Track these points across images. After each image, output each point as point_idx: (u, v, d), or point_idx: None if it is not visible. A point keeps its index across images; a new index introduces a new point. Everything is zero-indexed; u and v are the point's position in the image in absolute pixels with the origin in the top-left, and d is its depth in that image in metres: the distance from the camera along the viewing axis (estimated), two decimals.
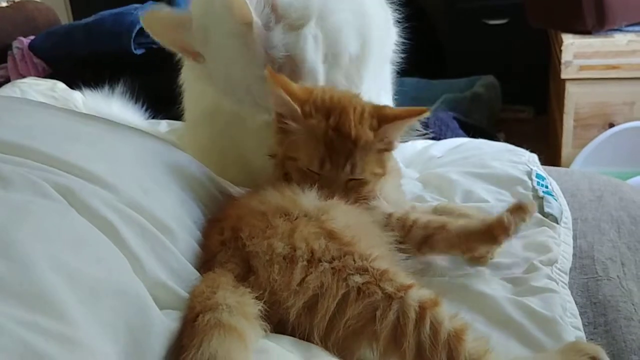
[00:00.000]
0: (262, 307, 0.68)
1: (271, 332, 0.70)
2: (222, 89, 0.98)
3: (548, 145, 2.54)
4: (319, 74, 0.94)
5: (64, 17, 3.16)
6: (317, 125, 0.85)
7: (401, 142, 0.97)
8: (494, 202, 1.06)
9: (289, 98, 0.85)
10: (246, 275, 0.73)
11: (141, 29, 2.11)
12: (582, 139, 2.14)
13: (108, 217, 0.70)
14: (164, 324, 0.66)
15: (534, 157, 1.24)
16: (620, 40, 2.07)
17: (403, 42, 1.16)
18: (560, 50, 2.10)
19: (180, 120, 1.37)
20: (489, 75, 2.69)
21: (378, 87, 1.13)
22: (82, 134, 0.87)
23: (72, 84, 1.75)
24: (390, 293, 0.67)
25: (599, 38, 2.08)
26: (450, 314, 0.67)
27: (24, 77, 2.07)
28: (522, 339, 0.76)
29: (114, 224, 0.70)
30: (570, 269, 0.92)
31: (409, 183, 1.16)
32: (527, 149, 1.27)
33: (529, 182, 1.11)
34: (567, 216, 1.03)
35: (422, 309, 0.66)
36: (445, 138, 1.52)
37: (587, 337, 0.78)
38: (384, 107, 0.91)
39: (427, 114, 0.87)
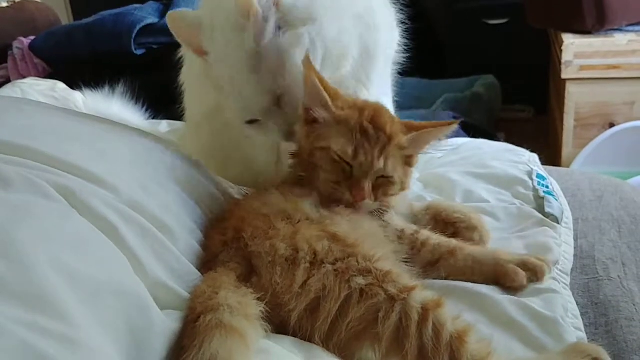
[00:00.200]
0: (264, 308, 0.68)
1: (272, 332, 0.70)
2: (219, 89, 0.97)
3: (548, 145, 2.54)
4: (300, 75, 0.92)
5: (65, 17, 3.16)
6: (353, 116, 0.86)
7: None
8: (494, 202, 1.06)
9: (321, 87, 0.84)
10: (248, 275, 0.73)
11: (141, 29, 2.11)
12: (582, 139, 2.14)
13: (108, 217, 0.70)
14: (165, 324, 0.66)
15: (535, 157, 1.24)
16: (620, 40, 2.07)
17: (404, 42, 1.16)
18: (561, 50, 2.09)
19: (180, 120, 1.37)
20: (489, 75, 2.69)
21: (380, 87, 1.13)
22: (82, 134, 0.87)
23: (73, 84, 1.75)
24: (393, 295, 0.67)
25: (599, 38, 2.08)
26: (453, 316, 0.67)
27: (24, 77, 2.07)
28: (524, 340, 0.76)
29: (115, 224, 0.70)
30: (571, 269, 0.92)
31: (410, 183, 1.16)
32: (527, 149, 1.27)
33: (530, 182, 1.11)
34: (567, 216, 1.03)
35: (424, 311, 0.66)
36: (445, 138, 1.51)
37: (588, 338, 0.78)
38: (410, 121, 0.92)
39: (455, 127, 0.88)
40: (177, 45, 1.18)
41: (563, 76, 2.11)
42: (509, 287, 0.83)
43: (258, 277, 0.72)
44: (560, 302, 0.81)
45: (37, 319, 0.53)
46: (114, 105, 1.52)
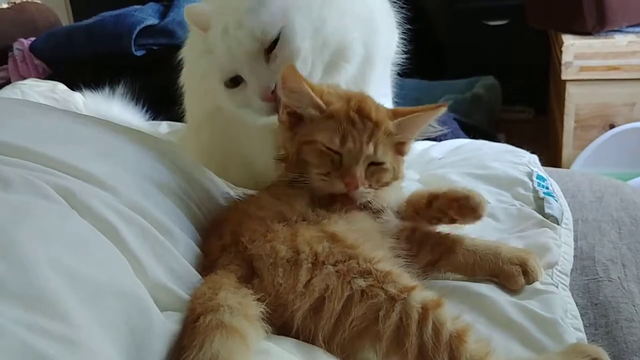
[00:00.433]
0: (265, 309, 0.68)
1: (273, 334, 0.70)
2: (210, 53, 0.97)
3: (548, 146, 2.54)
4: (304, 58, 0.92)
5: (65, 18, 3.16)
6: (340, 108, 0.85)
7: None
8: (494, 203, 1.06)
9: (309, 89, 0.84)
10: (249, 277, 0.73)
11: (141, 30, 2.11)
12: (582, 140, 2.14)
13: (109, 218, 0.70)
14: (165, 326, 0.66)
15: (535, 158, 1.24)
16: (620, 41, 2.07)
17: (403, 43, 1.16)
18: (561, 51, 2.10)
19: (181, 121, 1.38)
20: (489, 76, 2.69)
21: (379, 88, 1.13)
22: (82, 135, 0.87)
23: (73, 85, 1.75)
24: (393, 295, 0.67)
25: (599, 39, 2.08)
26: (452, 316, 0.67)
27: (24, 78, 2.07)
28: (524, 341, 0.76)
29: (115, 226, 0.70)
30: (571, 270, 0.92)
31: (410, 184, 1.16)
32: (527, 150, 1.27)
33: (530, 183, 1.11)
34: (567, 217, 1.03)
35: (424, 310, 0.66)
36: (445, 139, 1.52)
37: (588, 339, 0.78)
38: (397, 107, 0.91)
39: (443, 110, 0.86)
40: (178, 47, 1.18)
41: (563, 77, 2.11)
42: (506, 286, 0.84)
43: (260, 279, 0.72)
44: (559, 303, 0.81)
45: (37, 319, 0.53)
46: (114, 107, 1.52)
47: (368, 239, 0.78)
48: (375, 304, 0.67)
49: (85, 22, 2.29)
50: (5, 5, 2.53)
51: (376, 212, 0.86)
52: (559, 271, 0.89)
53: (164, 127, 1.61)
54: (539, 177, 1.13)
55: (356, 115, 0.84)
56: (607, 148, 2.07)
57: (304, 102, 0.85)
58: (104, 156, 0.82)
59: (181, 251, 0.77)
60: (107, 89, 1.56)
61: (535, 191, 1.08)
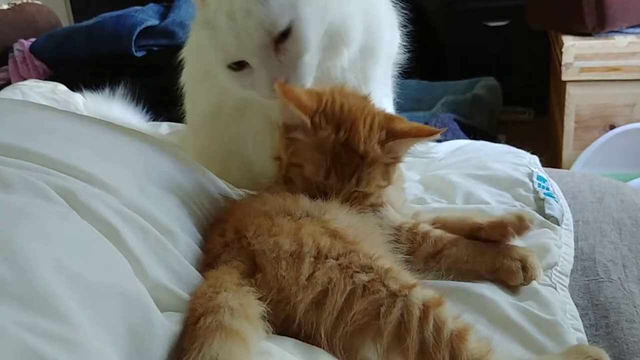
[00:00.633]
0: (266, 307, 0.68)
1: (275, 332, 0.70)
2: (212, 29, 0.94)
3: (549, 147, 2.54)
4: (312, 50, 0.91)
5: (65, 19, 3.16)
6: (327, 138, 0.85)
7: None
8: (495, 204, 1.06)
9: (299, 112, 0.84)
10: (252, 273, 0.73)
11: (142, 31, 2.11)
12: (582, 141, 2.14)
13: (109, 219, 0.70)
14: (166, 327, 0.66)
15: (535, 158, 1.24)
16: (620, 42, 2.07)
17: (404, 44, 1.17)
18: (561, 52, 2.10)
19: (181, 122, 1.37)
20: (490, 77, 2.70)
21: (381, 88, 1.13)
22: (82, 136, 0.87)
23: (73, 86, 1.75)
24: (394, 291, 0.68)
25: (599, 40, 2.09)
26: (453, 315, 0.68)
27: (24, 79, 2.07)
28: (524, 341, 0.76)
29: (115, 226, 0.70)
30: (572, 271, 0.92)
31: (411, 185, 1.16)
32: (527, 151, 1.27)
33: (530, 184, 1.11)
34: (568, 218, 1.03)
35: (426, 307, 0.66)
36: (445, 140, 1.52)
37: (588, 339, 0.78)
38: (396, 119, 0.89)
39: (437, 136, 0.86)
40: (178, 48, 1.19)
41: (563, 78, 2.11)
42: (505, 281, 0.84)
43: (263, 273, 0.72)
44: (558, 304, 0.81)
45: (37, 320, 0.53)
46: (114, 107, 1.52)
47: (367, 236, 0.78)
48: (376, 300, 0.67)
49: (85, 23, 2.30)
50: (5, 6, 2.53)
51: (375, 206, 0.87)
52: (559, 272, 0.89)
53: (164, 128, 1.61)
54: (540, 177, 1.13)
55: (343, 148, 0.85)
56: (607, 149, 2.07)
57: (295, 122, 0.86)
58: (104, 157, 0.82)
59: (182, 251, 0.77)
60: (107, 90, 1.56)
61: (535, 192, 1.08)
